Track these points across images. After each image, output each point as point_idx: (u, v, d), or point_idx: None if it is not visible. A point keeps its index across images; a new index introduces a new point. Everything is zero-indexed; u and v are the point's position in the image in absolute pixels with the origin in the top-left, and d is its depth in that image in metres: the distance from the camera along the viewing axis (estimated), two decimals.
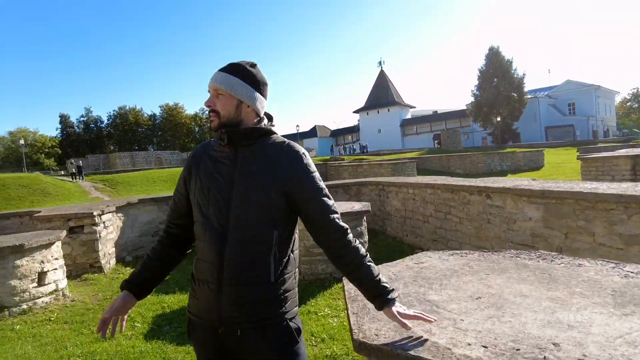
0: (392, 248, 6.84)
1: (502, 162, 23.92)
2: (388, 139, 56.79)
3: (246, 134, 1.44)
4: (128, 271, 6.55)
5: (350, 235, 1.45)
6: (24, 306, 4.56)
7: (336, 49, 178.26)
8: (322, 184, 1.49)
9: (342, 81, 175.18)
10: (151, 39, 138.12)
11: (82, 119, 65.70)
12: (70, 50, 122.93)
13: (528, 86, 45.77)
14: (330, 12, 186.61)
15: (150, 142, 70.22)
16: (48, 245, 4.89)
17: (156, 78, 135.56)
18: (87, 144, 62.15)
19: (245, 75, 1.46)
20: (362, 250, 1.44)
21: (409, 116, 61.30)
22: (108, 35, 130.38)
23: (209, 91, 1.47)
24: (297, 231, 1.52)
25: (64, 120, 64.62)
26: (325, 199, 1.46)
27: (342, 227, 1.45)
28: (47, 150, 58.75)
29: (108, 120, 66.72)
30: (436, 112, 61.32)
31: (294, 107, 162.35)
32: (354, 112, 64.20)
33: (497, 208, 4.85)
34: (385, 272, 2.30)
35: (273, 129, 1.51)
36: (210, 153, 1.51)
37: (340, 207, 5.57)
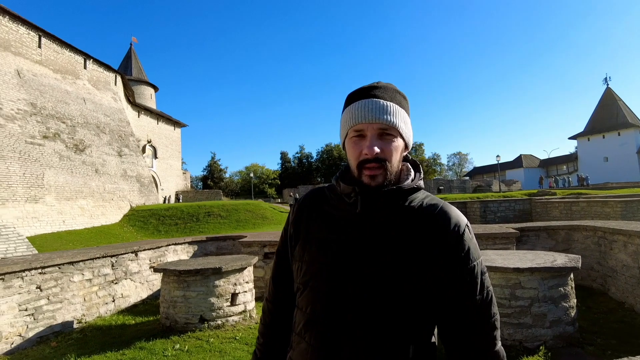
0: (617, 317, 5.16)
1: None
2: (618, 169, 46.29)
3: (389, 196, 1.01)
4: None
5: None
6: (219, 322, 5.19)
7: (545, 67, 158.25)
8: (488, 280, 1.03)
9: (553, 104, 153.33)
10: (353, 86, 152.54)
11: (297, 155, 76.10)
12: (292, 100, 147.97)
13: None
14: (539, 27, 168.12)
15: None
16: (241, 270, 5.52)
17: None
18: (300, 176, 71.19)
19: (408, 107, 1.07)
20: None
21: None
22: (319, 85, 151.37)
23: (356, 130, 1.01)
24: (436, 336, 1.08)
25: (283, 156, 76.20)
26: (491, 308, 1.02)
27: (500, 356, 1.01)
28: (270, 181, 69.89)
29: (317, 156, 75.26)
30: None
31: (494, 135, 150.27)
32: (570, 138, 55.09)
33: None
34: None
35: (421, 183, 1.08)
36: (326, 209, 1.09)
37: (537, 258, 4.52)
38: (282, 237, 1.21)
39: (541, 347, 3.88)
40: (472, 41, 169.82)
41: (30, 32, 22.54)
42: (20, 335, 4.82)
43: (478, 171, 69.11)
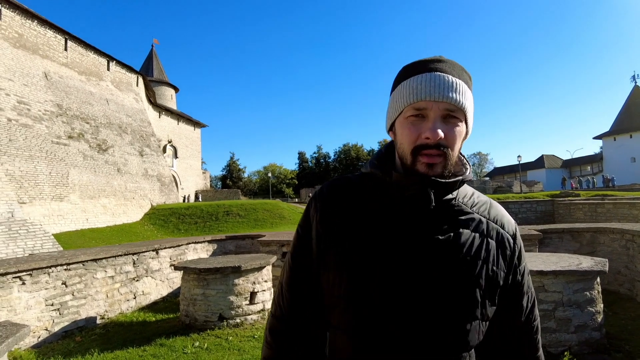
0: None
1: None
2: None
3: (448, 187, 0.89)
4: None
5: None
6: (237, 320, 5.24)
7: (569, 64, 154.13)
8: (531, 281, 1.00)
9: (577, 103, 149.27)
10: (371, 86, 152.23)
11: (314, 155, 76.22)
12: (310, 101, 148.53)
13: None
14: (563, 22, 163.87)
15: None
16: (260, 269, 5.55)
17: (376, 116, 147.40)
18: (317, 176, 71.26)
19: (472, 89, 0.93)
20: None
21: None
22: (336, 85, 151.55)
23: (416, 108, 0.86)
24: None
25: (301, 156, 76.48)
26: (535, 310, 0.98)
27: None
28: (287, 181, 70.21)
29: (334, 155, 75.23)
30: None
31: (515, 135, 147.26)
32: (595, 137, 53.54)
33: None
34: None
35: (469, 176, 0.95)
36: (367, 204, 0.92)
37: (561, 261, 4.41)
38: (299, 239, 1.00)
39: (566, 353, 3.78)
40: (492, 37, 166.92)
41: (57, 35, 23.20)
42: (46, 330, 4.96)
43: (498, 171, 67.79)
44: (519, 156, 38.84)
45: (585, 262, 4.28)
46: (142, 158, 28.38)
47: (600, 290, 4.18)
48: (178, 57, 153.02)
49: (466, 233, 0.89)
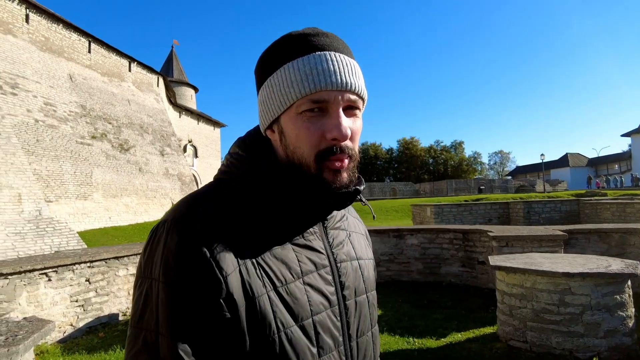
0: None
1: None
2: None
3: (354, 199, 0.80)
4: None
5: None
6: None
7: (595, 58, 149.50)
8: None
9: (604, 99, 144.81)
10: (389, 83, 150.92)
11: None
12: None
13: None
14: (587, 16, 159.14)
15: (387, 173, 75.25)
16: None
17: (395, 115, 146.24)
18: None
19: None
20: None
21: None
22: None
23: (315, 100, 0.66)
24: None
25: None
26: None
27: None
28: None
29: None
30: None
31: (538, 133, 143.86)
32: (623, 135, 51.86)
33: None
34: None
35: None
36: (259, 225, 0.68)
37: (589, 262, 4.26)
38: (192, 315, 0.60)
39: (594, 359, 3.65)
40: (515, 32, 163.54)
41: (81, 38, 23.81)
42: (71, 325, 5.08)
43: (521, 170, 66.50)
44: (542, 154, 37.94)
45: (614, 264, 4.12)
46: (163, 157, 28.87)
47: (631, 294, 4.02)
48: (198, 58, 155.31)
49: (355, 236, 0.86)
